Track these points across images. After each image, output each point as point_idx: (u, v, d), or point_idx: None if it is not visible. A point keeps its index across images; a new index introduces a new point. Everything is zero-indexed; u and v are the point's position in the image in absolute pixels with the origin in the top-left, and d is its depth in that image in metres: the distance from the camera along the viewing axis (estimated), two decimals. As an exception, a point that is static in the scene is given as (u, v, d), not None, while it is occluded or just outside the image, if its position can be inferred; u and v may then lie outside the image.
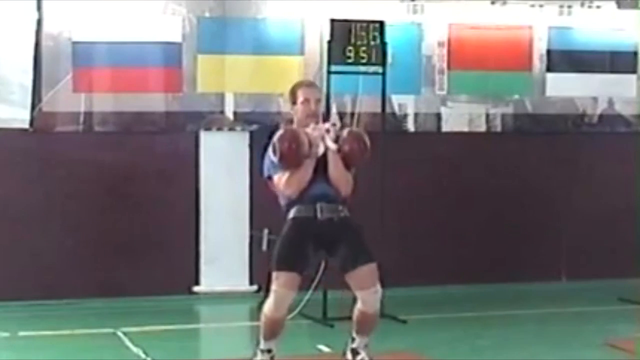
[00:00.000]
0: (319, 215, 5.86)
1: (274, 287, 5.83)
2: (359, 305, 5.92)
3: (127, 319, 8.02)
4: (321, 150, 5.89)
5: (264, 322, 5.93)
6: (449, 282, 9.23)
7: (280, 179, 5.89)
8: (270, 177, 6.00)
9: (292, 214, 5.91)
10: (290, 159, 5.83)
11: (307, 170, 5.86)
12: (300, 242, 5.86)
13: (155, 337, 7.50)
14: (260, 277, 8.27)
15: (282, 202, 6.00)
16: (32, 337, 7.54)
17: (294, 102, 6.09)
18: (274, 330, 5.93)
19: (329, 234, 5.87)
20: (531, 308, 8.66)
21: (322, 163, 5.91)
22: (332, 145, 5.91)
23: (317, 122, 6.01)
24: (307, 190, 5.88)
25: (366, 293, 5.85)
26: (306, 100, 6.03)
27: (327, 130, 5.96)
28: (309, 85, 6.24)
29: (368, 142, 6.01)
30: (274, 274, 5.84)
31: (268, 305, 5.87)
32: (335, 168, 5.91)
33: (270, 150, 5.91)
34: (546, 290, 9.37)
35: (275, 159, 5.86)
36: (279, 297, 5.81)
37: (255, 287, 8.86)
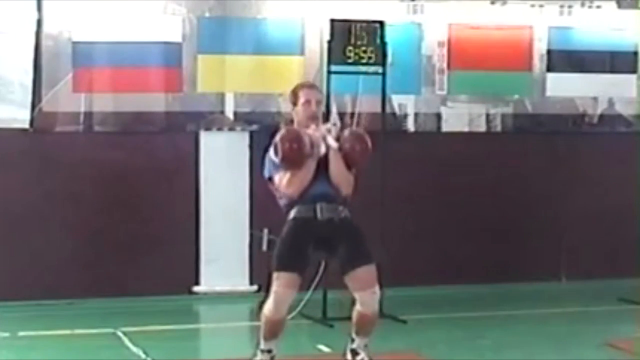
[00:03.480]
0: (319, 215, 5.86)
1: (274, 287, 5.82)
2: (357, 307, 5.91)
3: (127, 319, 8.01)
4: (323, 150, 5.89)
5: (264, 323, 5.92)
6: (449, 282, 9.22)
7: (281, 179, 5.88)
8: (271, 178, 5.99)
9: (292, 214, 5.91)
10: (292, 159, 5.82)
11: (308, 170, 5.86)
12: (300, 243, 5.85)
13: (155, 337, 7.50)
14: (260, 277, 8.28)
15: (283, 202, 6.00)
16: (32, 337, 7.54)
17: (294, 104, 6.09)
18: (274, 331, 5.92)
19: (328, 234, 5.86)
20: (531, 308, 8.66)
21: (323, 162, 5.91)
22: (334, 144, 5.91)
23: (317, 124, 6.00)
24: (308, 190, 5.87)
25: (364, 294, 5.84)
26: (307, 102, 6.03)
27: (329, 130, 5.97)
28: (310, 86, 6.23)
29: (369, 143, 6.02)
30: (275, 274, 5.83)
31: (268, 306, 5.85)
32: (336, 167, 5.90)
33: (271, 150, 5.91)
34: (546, 290, 9.37)
35: (276, 160, 5.86)
36: (279, 298, 5.80)
37: (255, 287, 8.86)
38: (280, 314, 5.86)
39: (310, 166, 5.86)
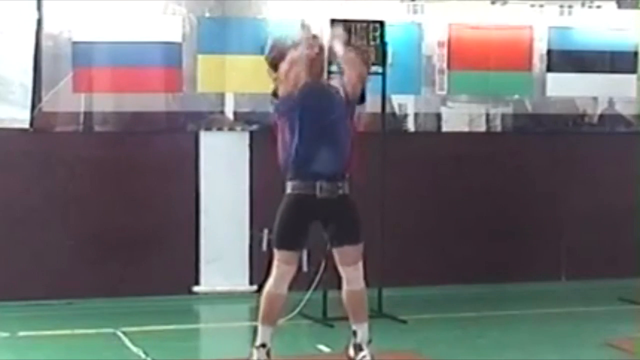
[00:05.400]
0: (318, 193, 5.92)
1: (275, 262, 5.99)
2: (344, 286, 6.07)
3: (127, 319, 8.02)
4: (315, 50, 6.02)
5: (264, 298, 6.03)
6: (449, 282, 9.22)
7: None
8: (277, 111, 6.10)
9: (289, 189, 5.99)
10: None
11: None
12: (299, 220, 5.98)
13: (155, 337, 7.51)
14: (260, 277, 8.28)
15: (282, 157, 6.02)
16: (32, 337, 7.54)
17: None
18: (272, 310, 6.01)
19: (326, 209, 5.95)
20: (531, 308, 8.66)
21: (329, 129, 5.94)
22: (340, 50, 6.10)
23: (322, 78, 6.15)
24: (308, 166, 5.91)
25: (348, 269, 6.03)
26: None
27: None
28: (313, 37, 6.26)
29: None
30: (275, 251, 6.00)
31: (269, 281, 6.02)
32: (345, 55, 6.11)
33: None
34: (546, 290, 9.37)
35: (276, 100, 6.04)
36: (281, 273, 5.97)
37: (255, 287, 8.85)
38: (281, 289, 6.00)
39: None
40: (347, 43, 6.17)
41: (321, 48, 6.12)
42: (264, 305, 6.03)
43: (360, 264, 6.07)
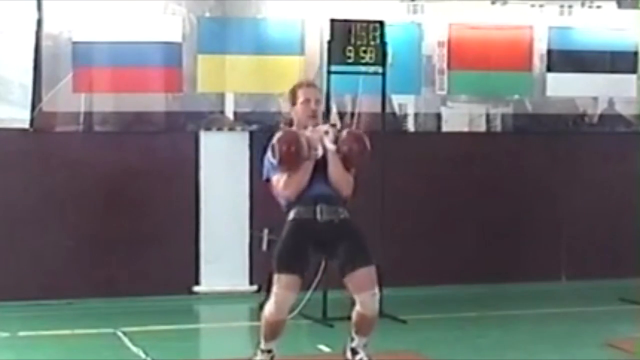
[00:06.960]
0: (318, 217, 5.85)
1: (274, 289, 5.83)
2: (357, 308, 5.90)
3: (127, 319, 8.02)
4: (320, 152, 5.89)
5: (265, 324, 5.92)
6: (449, 282, 9.23)
7: (278, 181, 5.90)
8: (269, 180, 6.01)
9: (292, 215, 5.90)
10: (289, 161, 5.82)
11: (305, 172, 5.86)
12: (300, 244, 5.85)
13: (155, 337, 7.50)
14: (260, 277, 8.30)
15: (282, 202, 6.01)
16: (32, 337, 7.54)
17: (293, 103, 6.09)
18: (274, 331, 5.93)
19: (328, 236, 5.86)
20: (531, 308, 8.66)
21: (321, 164, 5.91)
22: (331, 146, 5.90)
23: (317, 123, 6.02)
24: (307, 191, 5.88)
25: (364, 295, 5.82)
26: (307, 101, 6.03)
27: (326, 132, 5.96)
28: (309, 85, 6.22)
29: (368, 143, 6.01)
30: (275, 276, 5.83)
31: (269, 308, 5.86)
32: (334, 169, 5.90)
33: (269, 152, 5.91)
34: (546, 290, 9.37)
35: (274, 161, 5.86)
36: (280, 300, 5.81)
37: (255, 287, 8.86)
38: (281, 316, 5.86)
39: (308, 168, 5.86)
40: (336, 140, 5.91)
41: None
42: (265, 329, 5.92)
43: (377, 289, 5.87)
